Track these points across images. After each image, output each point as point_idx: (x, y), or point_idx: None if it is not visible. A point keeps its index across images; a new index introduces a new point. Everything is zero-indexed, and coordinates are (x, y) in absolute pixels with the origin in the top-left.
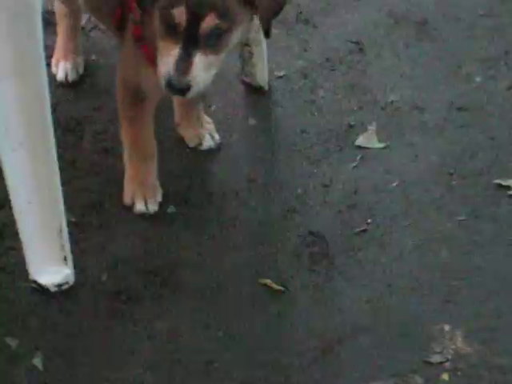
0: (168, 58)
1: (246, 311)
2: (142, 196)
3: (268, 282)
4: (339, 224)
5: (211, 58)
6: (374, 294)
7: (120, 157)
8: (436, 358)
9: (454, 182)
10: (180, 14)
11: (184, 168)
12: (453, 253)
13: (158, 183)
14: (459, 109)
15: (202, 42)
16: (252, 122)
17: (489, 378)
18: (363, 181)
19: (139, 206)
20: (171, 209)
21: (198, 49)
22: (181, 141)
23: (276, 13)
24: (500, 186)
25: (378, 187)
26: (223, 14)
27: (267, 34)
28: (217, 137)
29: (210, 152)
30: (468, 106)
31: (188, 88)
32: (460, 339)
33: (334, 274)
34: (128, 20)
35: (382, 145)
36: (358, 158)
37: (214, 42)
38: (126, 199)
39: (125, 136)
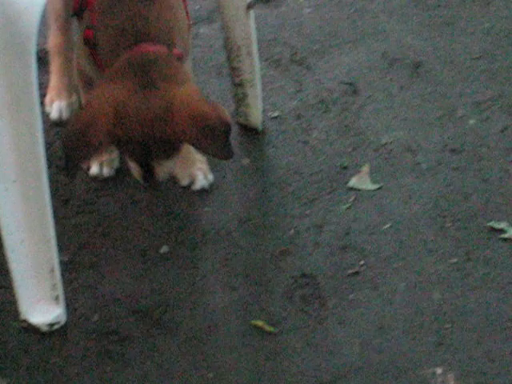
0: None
1: (237, 352)
2: (98, 160)
3: (260, 323)
4: (331, 265)
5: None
6: (366, 336)
7: (113, 196)
8: None
9: (446, 225)
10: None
11: (177, 208)
12: (445, 295)
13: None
14: (453, 151)
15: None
16: (245, 161)
17: None
18: (356, 222)
19: (94, 169)
20: (164, 249)
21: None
22: (173, 180)
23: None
24: (493, 228)
25: (370, 229)
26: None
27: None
28: (210, 177)
29: (203, 192)
30: (461, 149)
31: (160, 183)
32: (452, 382)
33: (326, 315)
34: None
35: (375, 186)
36: (351, 199)
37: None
38: None
39: None
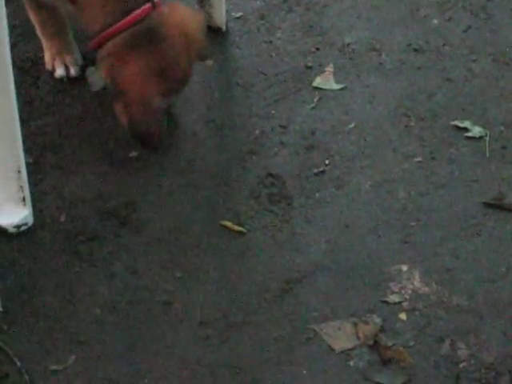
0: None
1: (204, 252)
2: (61, 62)
3: (228, 223)
4: (297, 165)
5: None
6: (332, 235)
7: (78, 97)
8: (394, 298)
9: (411, 124)
10: None
11: None
12: (410, 194)
13: (76, 48)
14: (416, 50)
15: None
16: (209, 62)
17: (446, 318)
18: (321, 122)
19: (59, 71)
20: (133, 153)
21: None
22: None
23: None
24: (457, 127)
25: (335, 128)
26: None
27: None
28: None
29: None
30: (425, 48)
31: None
32: (418, 279)
33: (292, 214)
34: None
35: (339, 86)
36: (316, 99)
37: None
38: (47, 65)
39: (33, 18)
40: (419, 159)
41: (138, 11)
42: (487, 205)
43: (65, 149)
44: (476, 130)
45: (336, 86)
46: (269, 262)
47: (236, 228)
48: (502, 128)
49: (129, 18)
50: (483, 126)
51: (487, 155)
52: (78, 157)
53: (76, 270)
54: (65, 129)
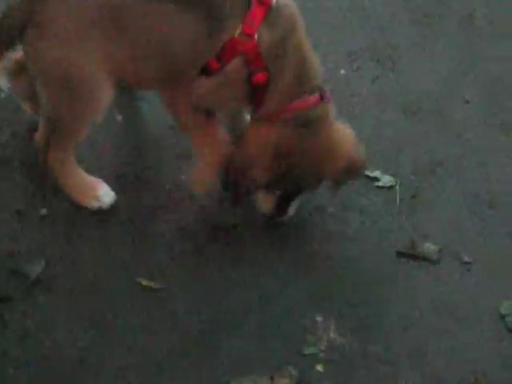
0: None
1: (120, 307)
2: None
3: (142, 279)
4: (209, 219)
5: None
6: (247, 289)
7: None
8: (310, 350)
9: None
10: None
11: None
12: (322, 244)
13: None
14: None
15: None
16: (119, 118)
17: (363, 366)
18: None
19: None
20: (42, 211)
21: None
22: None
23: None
24: (367, 177)
25: None
26: None
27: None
28: None
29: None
30: (334, 98)
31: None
32: (333, 330)
33: (206, 267)
34: None
35: None
36: None
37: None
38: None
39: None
40: (331, 210)
41: (310, 98)
42: (400, 254)
43: None
44: (386, 179)
45: None
46: (185, 316)
47: (150, 284)
48: (412, 177)
49: (300, 102)
50: (393, 175)
51: (398, 204)
52: None
53: None
54: None
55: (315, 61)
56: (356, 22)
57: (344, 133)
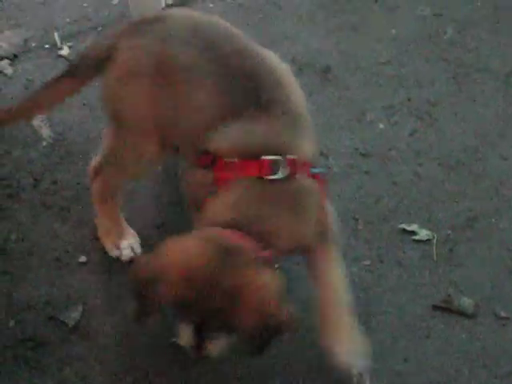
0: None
1: (156, 365)
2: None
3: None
4: None
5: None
6: None
7: (26, 202)
8: None
9: (359, 227)
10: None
11: (90, 215)
12: (359, 297)
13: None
14: (363, 155)
15: None
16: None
17: None
18: None
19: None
20: (81, 259)
21: None
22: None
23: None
24: (404, 230)
25: None
26: None
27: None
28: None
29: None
30: (372, 152)
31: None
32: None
33: None
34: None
35: None
36: None
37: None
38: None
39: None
40: (367, 262)
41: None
42: (436, 307)
43: (12, 254)
44: (423, 233)
45: None
46: None
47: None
48: (449, 231)
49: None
50: (430, 229)
51: (435, 258)
52: (28, 262)
53: (25, 377)
54: (12, 234)
55: None
56: (395, 78)
57: (264, 285)
